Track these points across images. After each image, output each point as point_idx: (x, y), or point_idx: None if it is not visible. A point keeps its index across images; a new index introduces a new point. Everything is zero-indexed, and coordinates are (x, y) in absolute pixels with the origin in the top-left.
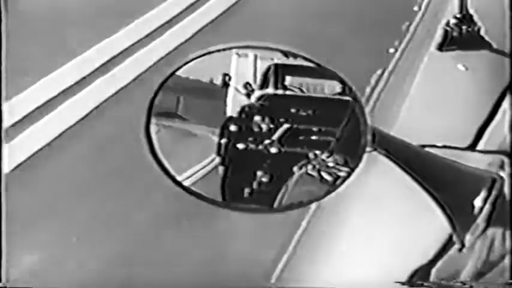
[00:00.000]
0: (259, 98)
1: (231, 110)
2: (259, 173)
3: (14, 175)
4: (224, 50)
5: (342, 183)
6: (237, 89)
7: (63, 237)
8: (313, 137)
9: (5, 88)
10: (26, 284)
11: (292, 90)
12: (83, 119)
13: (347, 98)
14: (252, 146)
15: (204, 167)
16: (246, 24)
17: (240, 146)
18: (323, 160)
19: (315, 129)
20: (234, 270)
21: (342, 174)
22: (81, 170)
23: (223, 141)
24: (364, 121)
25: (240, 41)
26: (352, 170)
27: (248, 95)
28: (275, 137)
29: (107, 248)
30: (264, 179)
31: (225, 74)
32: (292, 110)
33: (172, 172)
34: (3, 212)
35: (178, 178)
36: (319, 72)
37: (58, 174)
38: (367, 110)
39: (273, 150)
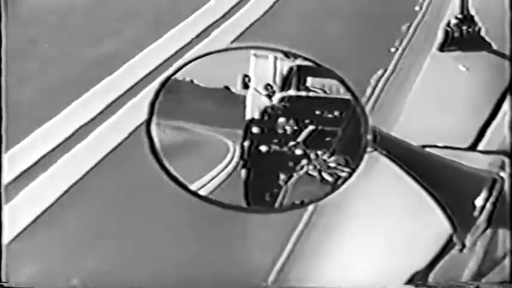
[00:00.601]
0: (281, 100)
1: (251, 112)
2: (282, 176)
3: (15, 179)
4: (222, 51)
5: (342, 183)
6: (257, 91)
7: (65, 244)
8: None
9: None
10: (26, 285)
11: (315, 92)
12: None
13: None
14: (275, 148)
15: (220, 172)
16: (247, 24)
17: (263, 148)
18: (324, 160)
19: (340, 130)
20: (233, 270)
21: (343, 174)
22: (85, 179)
23: (246, 143)
24: (365, 121)
25: (242, 42)
26: (353, 170)
27: (269, 97)
28: (300, 138)
29: (107, 250)
30: (289, 182)
31: (245, 75)
32: (317, 112)
33: (176, 175)
34: (4, 216)
35: (190, 185)
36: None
37: (61, 182)
38: (367, 110)
39: (298, 151)
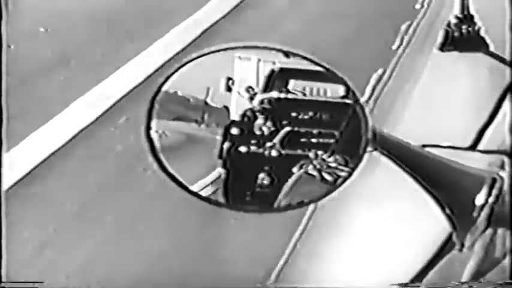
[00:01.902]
0: (261, 102)
1: (235, 114)
2: (260, 175)
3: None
4: (222, 50)
5: (342, 183)
6: (239, 93)
7: (64, 240)
8: (314, 140)
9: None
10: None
11: (295, 94)
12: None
13: (349, 101)
14: (254, 148)
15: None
16: (248, 24)
17: (243, 149)
18: (323, 160)
19: (315, 131)
20: (234, 269)
21: (343, 174)
22: (84, 177)
23: (226, 145)
24: (365, 121)
25: (241, 41)
26: (353, 170)
27: (251, 99)
28: (276, 140)
29: (106, 249)
30: (265, 182)
31: (229, 78)
32: (293, 114)
33: (178, 176)
34: (3, 213)
35: (188, 184)
36: (323, 75)
37: (61, 181)
38: (367, 110)
39: (274, 153)
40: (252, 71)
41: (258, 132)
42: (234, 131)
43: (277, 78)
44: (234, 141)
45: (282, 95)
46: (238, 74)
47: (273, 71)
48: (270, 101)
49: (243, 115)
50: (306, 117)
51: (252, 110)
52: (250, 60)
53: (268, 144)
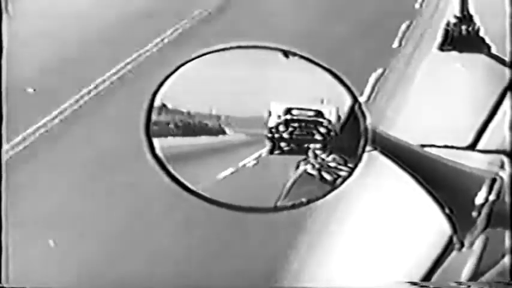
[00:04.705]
0: (285, 119)
1: (271, 123)
2: (282, 144)
3: (14, 179)
4: (220, 50)
5: (342, 182)
6: (275, 117)
7: (64, 241)
8: (300, 131)
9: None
10: (26, 284)
11: (296, 116)
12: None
13: (315, 118)
14: (281, 135)
15: (226, 177)
16: (248, 23)
17: (276, 135)
18: (323, 160)
19: (303, 131)
20: (235, 270)
21: (343, 173)
22: (85, 178)
23: (269, 135)
24: (364, 121)
25: (242, 41)
26: (353, 169)
27: (279, 117)
28: (288, 132)
29: (105, 247)
30: (285, 148)
31: (269, 111)
32: (295, 124)
33: (177, 175)
34: (3, 212)
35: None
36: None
37: (61, 179)
38: (366, 109)
39: (286, 135)
40: (280, 108)
41: (281, 129)
42: (273, 130)
43: (289, 110)
44: (273, 133)
45: (289, 117)
46: (275, 109)
47: (289, 108)
48: (285, 119)
49: (277, 124)
50: (297, 125)
51: (280, 122)
52: (280, 104)
53: (284, 134)
